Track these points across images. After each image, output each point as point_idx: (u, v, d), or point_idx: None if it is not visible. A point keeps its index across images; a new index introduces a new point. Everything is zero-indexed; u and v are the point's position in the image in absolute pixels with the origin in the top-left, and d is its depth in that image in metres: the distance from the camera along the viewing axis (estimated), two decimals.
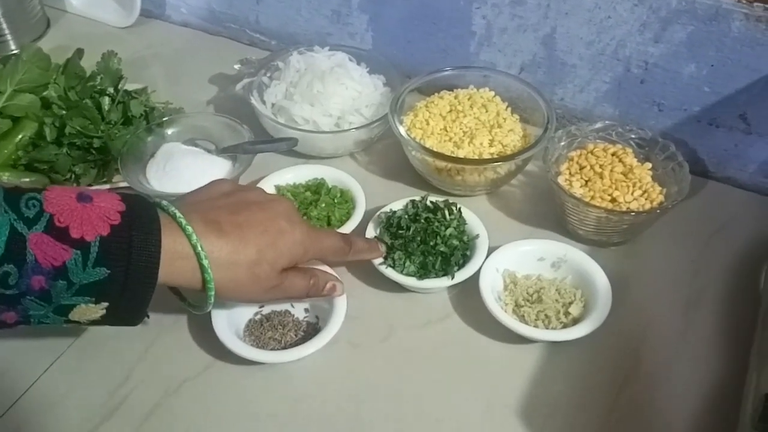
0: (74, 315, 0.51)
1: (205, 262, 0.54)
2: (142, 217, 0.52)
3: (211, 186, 0.63)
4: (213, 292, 0.55)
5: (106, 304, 0.51)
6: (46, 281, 0.48)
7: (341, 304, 0.66)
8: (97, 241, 0.49)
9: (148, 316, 0.56)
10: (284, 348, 0.65)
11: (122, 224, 0.50)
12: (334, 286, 0.65)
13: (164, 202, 0.56)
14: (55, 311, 0.50)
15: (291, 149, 0.84)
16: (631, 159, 0.76)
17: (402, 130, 0.79)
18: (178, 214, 0.54)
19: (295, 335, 0.66)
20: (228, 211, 0.58)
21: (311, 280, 0.63)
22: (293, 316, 0.68)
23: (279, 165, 0.82)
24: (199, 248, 0.53)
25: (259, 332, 0.66)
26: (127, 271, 0.50)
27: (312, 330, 0.67)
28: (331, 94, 0.84)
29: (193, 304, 0.61)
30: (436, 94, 0.86)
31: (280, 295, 0.60)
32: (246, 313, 0.68)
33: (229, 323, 0.64)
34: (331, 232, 0.68)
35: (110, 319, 0.53)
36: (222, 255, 0.55)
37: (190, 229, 0.53)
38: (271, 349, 0.64)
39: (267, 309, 0.68)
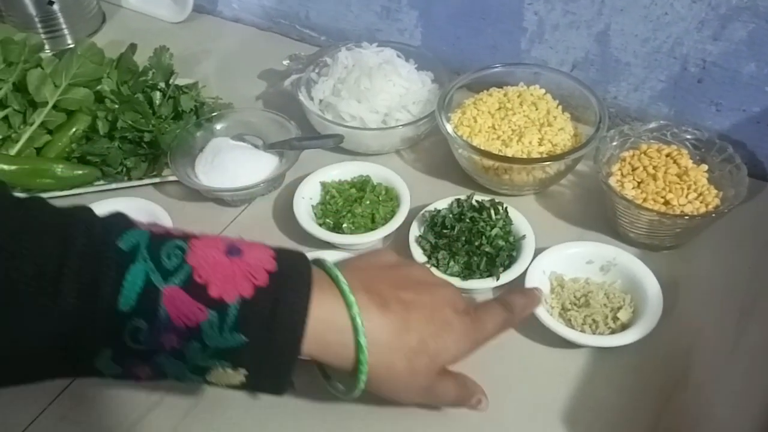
0: (212, 377, 0.47)
1: (363, 340, 0.47)
2: (293, 278, 0.46)
3: (375, 254, 0.57)
4: (365, 377, 0.48)
5: (243, 371, 0.46)
6: (178, 341, 0.44)
7: None
8: (237, 304, 0.44)
9: (293, 385, 0.50)
10: None
11: (268, 286, 0.45)
12: (480, 400, 0.56)
13: (327, 262, 0.50)
14: (192, 371, 0.46)
15: (337, 146, 0.84)
16: (686, 160, 0.74)
17: (449, 127, 0.78)
18: (341, 278, 0.48)
19: None
20: (393, 285, 0.51)
21: (462, 391, 0.55)
22: None
23: (325, 161, 0.82)
24: (359, 323, 0.47)
25: None
26: (269, 340, 0.45)
27: None
28: (378, 91, 0.84)
29: (338, 386, 0.55)
30: (485, 91, 0.85)
31: (430, 399, 0.54)
32: None
33: None
34: (491, 309, 0.57)
35: (251, 387, 0.48)
36: (382, 336, 0.48)
37: (352, 298, 0.47)
38: None
39: None
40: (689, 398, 0.62)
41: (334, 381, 0.55)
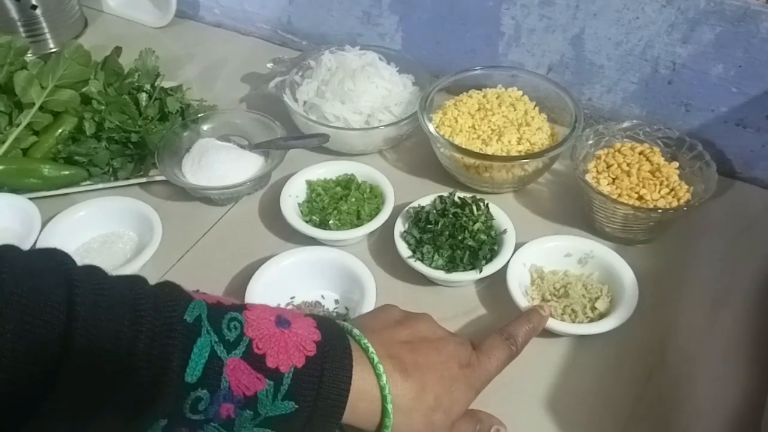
0: None
1: (390, 407, 0.50)
2: (336, 349, 0.50)
3: (383, 312, 0.59)
4: None
5: None
6: (234, 410, 0.45)
7: (371, 296, 0.67)
8: (291, 374, 0.46)
9: None
10: None
11: (317, 356, 0.48)
12: (498, 431, 0.59)
13: (355, 331, 0.53)
14: None
15: (322, 146, 0.86)
16: (658, 158, 0.77)
17: (431, 127, 0.80)
18: (371, 349, 0.51)
19: None
20: (408, 348, 0.54)
21: (477, 426, 0.57)
22: (324, 307, 0.70)
23: (310, 161, 0.84)
24: (387, 391, 0.50)
25: None
26: (315, 407, 0.47)
27: (342, 320, 0.68)
28: (362, 93, 0.86)
29: None
30: (465, 93, 0.87)
31: None
32: (279, 302, 0.69)
33: None
34: (493, 350, 0.59)
35: None
36: (405, 400, 0.51)
37: (381, 368, 0.50)
38: None
39: (298, 299, 0.70)
40: (666, 383, 0.64)
41: None
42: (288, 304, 0.70)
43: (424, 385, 0.52)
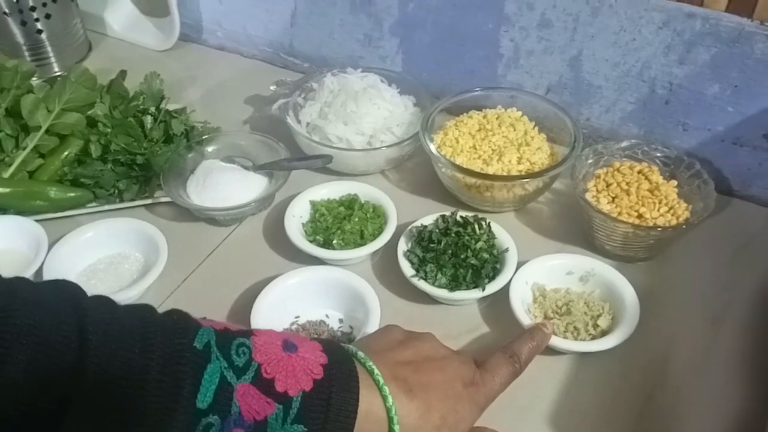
0: None
1: (396, 428, 0.51)
2: (343, 372, 0.50)
3: (386, 334, 0.60)
4: None
5: None
6: None
7: (375, 315, 0.68)
8: (299, 397, 0.47)
9: None
10: None
11: (324, 379, 0.48)
12: None
13: (360, 354, 0.53)
14: None
15: (324, 166, 0.87)
16: (657, 176, 0.78)
17: (433, 147, 0.82)
18: (376, 371, 0.52)
19: None
20: (412, 369, 0.55)
21: None
22: (328, 326, 0.70)
23: (313, 182, 0.85)
24: (394, 412, 0.50)
25: None
26: (324, 428, 0.48)
27: (346, 340, 0.69)
28: (364, 114, 0.87)
29: None
30: (465, 113, 0.88)
31: None
32: (283, 321, 0.70)
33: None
34: (497, 368, 0.60)
35: None
36: (411, 420, 0.52)
37: (387, 390, 0.51)
38: None
39: (303, 318, 0.71)
40: (668, 400, 0.65)
41: None
42: (293, 324, 0.70)
43: (429, 406, 0.53)
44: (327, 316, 0.71)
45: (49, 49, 1.10)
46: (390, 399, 0.51)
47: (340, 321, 0.71)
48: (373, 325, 0.67)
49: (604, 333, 0.68)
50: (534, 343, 0.63)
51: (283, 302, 0.70)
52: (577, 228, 0.81)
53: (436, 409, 0.53)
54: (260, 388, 0.46)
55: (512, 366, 0.60)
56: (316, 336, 0.68)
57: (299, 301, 0.71)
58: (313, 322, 0.71)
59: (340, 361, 0.51)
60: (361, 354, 0.53)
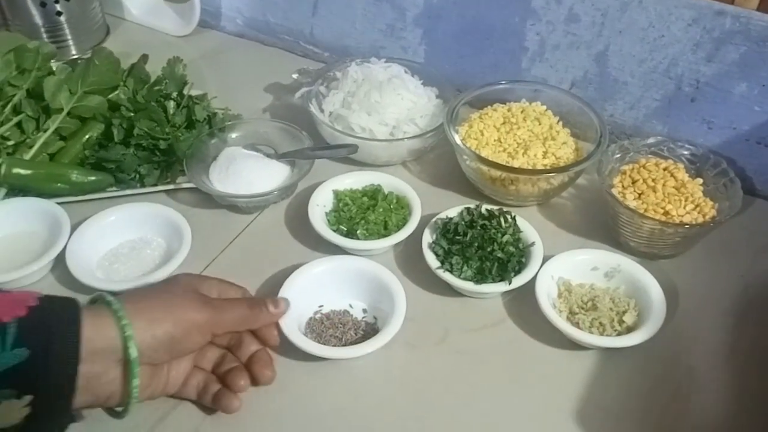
0: None
1: (131, 345, 0.53)
2: (59, 299, 0.53)
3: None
4: (137, 366, 0.54)
5: (29, 398, 0.48)
6: None
7: (401, 306, 0.67)
8: (15, 322, 0.48)
9: (74, 419, 0.54)
10: (344, 345, 0.67)
11: (40, 305, 0.50)
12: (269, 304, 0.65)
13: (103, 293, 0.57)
14: None
15: (348, 156, 0.86)
16: (682, 174, 0.78)
17: (458, 139, 0.81)
18: (108, 297, 0.55)
19: (355, 334, 0.68)
20: (149, 295, 0.60)
21: (247, 304, 0.64)
22: (352, 315, 0.70)
23: (334, 172, 0.84)
24: (129, 332, 0.53)
25: (320, 329, 0.68)
26: (49, 351, 0.49)
27: (370, 330, 0.69)
28: (388, 104, 0.87)
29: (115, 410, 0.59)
30: (490, 106, 0.88)
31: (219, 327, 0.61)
32: (307, 310, 0.70)
33: (292, 320, 0.66)
34: (238, 303, 0.64)
35: (35, 421, 0.49)
36: (143, 334, 0.55)
37: (121, 312, 0.53)
38: (333, 346, 0.66)
39: (327, 308, 0.70)
40: (692, 397, 0.65)
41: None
42: (316, 313, 0.70)
43: (154, 316, 0.56)
44: (351, 305, 0.71)
45: (67, 31, 1.09)
46: (124, 318, 0.53)
47: (364, 311, 0.71)
48: (398, 317, 0.66)
49: (629, 329, 0.68)
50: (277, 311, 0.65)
51: (308, 291, 0.70)
52: (600, 224, 0.81)
53: (159, 305, 0.57)
54: None
55: (249, 311, 0.63)
56: (341, 325, 0.68)
57: (324, 290, 0.71)
58: (337, 311, 0.70)
59: (54, 296, 0.53)
60: (101, 293, 0.56)
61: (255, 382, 0.63)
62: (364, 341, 0.66)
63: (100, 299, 0.56)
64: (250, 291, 0.72)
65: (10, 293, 0.51)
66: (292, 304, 0.67)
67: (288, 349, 0.65)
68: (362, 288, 0.71)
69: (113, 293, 0.57)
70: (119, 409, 0.58)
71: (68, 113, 0.85)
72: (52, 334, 0.49)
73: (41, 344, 0.48)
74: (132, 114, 0.84)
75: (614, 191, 0.76)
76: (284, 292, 0.68)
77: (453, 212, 0.77)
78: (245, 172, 0.81)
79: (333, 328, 0.68)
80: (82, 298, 0.56)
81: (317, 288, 0.71)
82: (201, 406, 0.63)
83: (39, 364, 0.48)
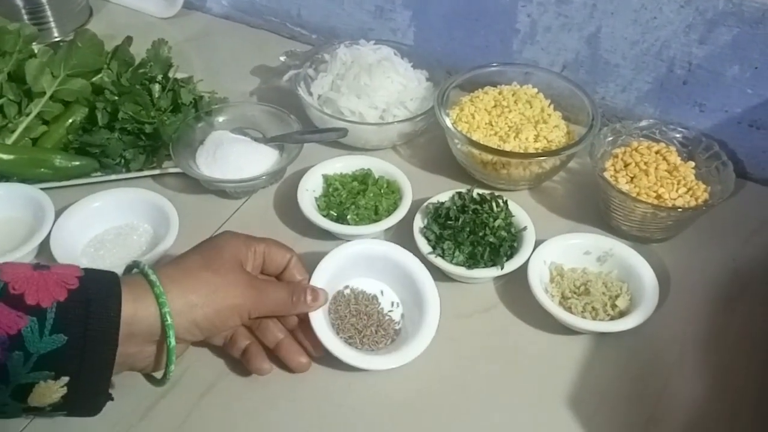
0: (33, 399, 0.48)
1: (170, 324, 0.53)
2: (101, 280, 0.51)
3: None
4: (173, 341, 0.53)
5: (66, 379, 0.48)
6: (1, 351, 0.46)
7: (429, 328, 0.65)
8: (54, 307, 0.48)
9: (111, 398, 0.54)
10: (362, 338, 0.65)
11: (80, 288, 0.49)
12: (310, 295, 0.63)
13: (142, 265, 0.55)
14: (13, 395, 0.48)
15: (337, 140, 0.85)
16: (674, 157, 0.77)
17: (449, 122, 0.80)
18: (151, 275, 0.54)
19: (375, 332, 0.66)
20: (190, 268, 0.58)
21: (292, 293, 0.62)
22: (379, 305, 0.68)
23: (323, 156, 0.83)
24: (167, 310, 0.52)
25: (344, 313, 0.66)
26: (86, 335, 0.48)
27: (391, 331, 0.67)
28: (378, 87, 0.86)
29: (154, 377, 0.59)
30: (481, 89, 0.87)
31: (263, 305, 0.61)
32: (336, 284, 0.68)
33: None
34: (283, 288, 0.63)
35: (71, 401, 0.50)
36: (179, 305, 0.54)
37: (159, 288, 0.53)
38: (350, 337, 0.65)
39: (357, 287, 0.69)
40: (684, 381, 0.65)
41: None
42: (345, 287, 0.69)
43: (196, 285, 0.56)
44: (382, 292, 0.69)
45: (49, 13, 1.07)
46: (165, 306, 0.52)
47: (392, 304, 0.69)
48: (424, 339, 0.64)
49: (622, 314, 0.67)
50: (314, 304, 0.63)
51: (343, 266, 0.68)
52: (592, 208, 0.80)
53: (202, 285, 0.56)
54: (9, 304, 0.47)
55: (290, 301, 0.62)
56: (365, 317, 0.66)
57: (357, 269, 0.69)
58: (367, 294, 0.68)
59: (97, 272, 0.52)
60: (143, 265, 0.55)
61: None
62: (381, 342, 0.65)
63: (141, 272, 0.55)
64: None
65: (51, 271, 0.50)
66: (328, 275, 0.66)
67: None
68: (399, 281, 0.69)
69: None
70: (157, 376, 0.58)
71: (51, 97, 0.83)
72: (90, 321, 0.49)
73: (79, 331, 0.48)
74: (116, 97, 0.82)
75: (606, 175, 0.75)
76: (323, 267, 0.66)
77: (444, 197, 0.76)
78: (233, 156, 0.80)
79: (357, 317, 0.66)
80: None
81: (352, 266, 0.69)
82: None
83: (76, 350, 0.48)
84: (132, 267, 0.57)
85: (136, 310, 0.51)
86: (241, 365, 0.64)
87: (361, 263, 0.69)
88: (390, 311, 0.68)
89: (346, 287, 0.69)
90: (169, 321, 0.53)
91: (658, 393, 0.63)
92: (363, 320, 0.66)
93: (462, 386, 0.64)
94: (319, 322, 0.63)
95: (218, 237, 0.63)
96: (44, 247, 0.72)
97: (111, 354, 0.50)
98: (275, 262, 0.64)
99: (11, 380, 0.47)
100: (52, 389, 0.48)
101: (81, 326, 0.48)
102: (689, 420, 0.62)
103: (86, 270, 0.52)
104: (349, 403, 0.62)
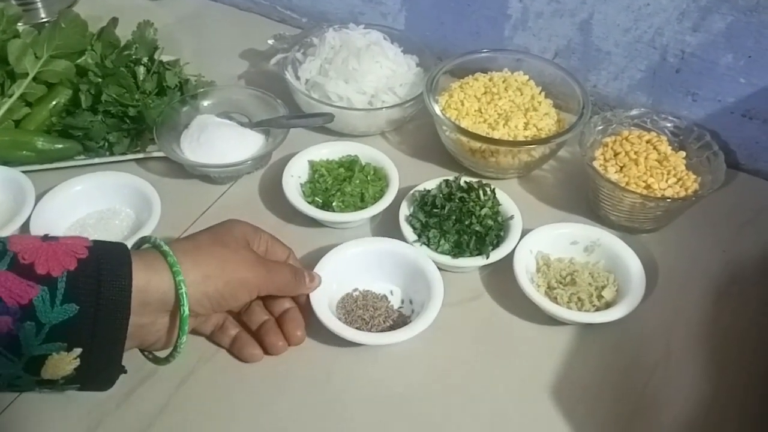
0: (47, 371, 0.48)
1: (184, 296, 0.52)
2: (110, 250, 0.51)
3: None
4: (186, 314, 0.53)
5: (79, 350, 0.48)
6: (13, 322, 0.45)
7: (433, 308, 0.64)
8: (64, 276, 0.47)
9: (125, 370, 0.53)
10: (370, 330, 0.65)
11: (90, 257, 0.49)
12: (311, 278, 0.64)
13: (154, 238, 0.55)
14: (26, 368, 0.47)
15: (323, 126, 0.84)
16: (665, 147, 0.76)
17: (437, 109, 0.79)
18: (164, 246, 0.53)
19: (384, 322, 0.66)
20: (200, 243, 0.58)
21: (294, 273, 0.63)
22: (388, 302, 0.68)
23: (311, 141, 0.82)
24: (181, 279, 0.52)
25: (351, 307, 0.66)
26: (98, 305, 0.48)
27: (400, 321, 0.66)
28: (366, 72, 0.84)
29: (159, 357, 0.58)
30: (471, 75, 0.86)
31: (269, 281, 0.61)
32: (344, 287, 0.68)
33: (324, 292, 0.65)
34: (286, 269, 0.63)
35: (84, 373, 0.49)
36: (194, 277, 0.54)
37: (173, 259, 0.52)
38: (357, 328, 0.64)
39: (365, 288, 0.69)
40: (670, 373, 0.64)
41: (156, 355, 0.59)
42: (354, 290, 0.68)
43: (208, 258, 0.56)
44: (391, 292, 0.69)
45: None
46: (179, 274, 0.52)
47: (403, 302, 0.68)
48: (435, 306, 0.64)
49: (608, 305, 0.67)
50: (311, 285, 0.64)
51: (350, 268, 0.68)
52: (581, 197, 0.79)
53: (216, 257, 0.56)
54: (19, 273, 0.46)
55: (293, 279, 0.62)
56: (372, 309, 0.66)
57: (366, 271, 0.69)
58: (375, 294, 0.68)
59: (106, 243, 0.51)
60: (155, 238, 0.55)
61: (286, 340, 0.63)
62: (390, 330, 0.64)
63: (154, 244, 0.54)
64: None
65: (60, 242, 0.49)
66: (335, 276, 0.66)
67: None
68: (405, 277, 0.69)
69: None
70: (162, 355, 0.57)
71: (34, 78, 0.82)
72: (102, 289, 0.48)
73: (91, 300, 0.47)
74: (100, 79, 0.81)
75: (596, 164, 0.74)
76: (326, 263, 0.67)
77: (431, 184, 0.75)
78: (218, 141, 0.79)
79: (363, 309, 0.66)
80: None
81: (362, 267, 0.68)
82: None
83: (88, 319, 0.47)
84: (141, 243, 0.57)
85: (149, 279, 0.51)
86: (219, 353, 0.63)
87: (369, 265, 0.69)
88: (400, 308, 0.68)
89: (355, 290, 0.68)
90: (183, 289, 0.52)
91: (642, 385, 0.63)
92: (370, 311, 0.66)
93: (445, 375, 0.63)
94: (324, 311, 0.63)
95: (228, 220, 0.63)
96: (24, 231, 0.71)
97: (124, 323, 0.49)
98: (276, 254, 0.65)
99: (24, 352, 0.46)
100: (65, 361, 0.48)
101: (93, 295, 0.47)
102: (675, 413, 0.61)
103: (95, 241, 0.51)
104: (330, 390, 0.62)
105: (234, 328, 0.63)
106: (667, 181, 0.73)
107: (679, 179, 0.73)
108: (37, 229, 0.70)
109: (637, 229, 0.76)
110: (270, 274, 0.60)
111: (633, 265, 0.68)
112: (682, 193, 0.72)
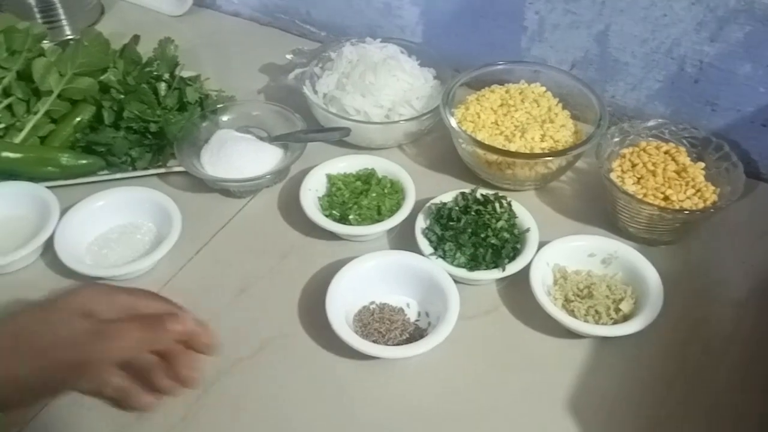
0: None
1: None
2: None
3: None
4: None
5: None
6: None
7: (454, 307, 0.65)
8: None
9: None
10: (386, 343, 0.65)
11: None
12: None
13: None
14: None
15: (341, 139, 0.85)
16: (684, 158, 0.76)
17: (453, 122, 0.79)
18: None
19: (400, 335, 0.66)
20: None
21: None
22: (405, 315, 0.68)
23: (328, 155, 0.83)
24: None
25: (368, 320, 0.67)
26: None
27: (417, 334, 0.67)
28: (383, 86, 0.85)
29: None
30: (487, 87, 0.86)
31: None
32: (362, 300, 0.69)
33: (341, 306, 0.66)
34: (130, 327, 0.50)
35: None
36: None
37: None
38: (374, 341, 0.65)
39: (382, 301, 0.69)
40: (688, 386, 0.63)
41: None
42: (371, 303, 0.69)
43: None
44: (408, 305, 0.69)
45: (60, 11, 1.08)
46: None
47: (419, 314, 0.69)
48: (451, 318, 0.64)
49: (625, 317, 0.66)
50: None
51: (367, 281, 0.69)
52: (599, 209, 0.79)
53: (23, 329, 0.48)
54: None
55: (143, 334, 0.49)
56: (388, 322, 0.67)
57: (383, 284, 0.69)
58: (392, 307, 0.69)
59: None
60: None
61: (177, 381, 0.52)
62: (406, 344, 0.65)
63: None
64: (241, 276, 0.70)
65: None
66: (352, 289, 0.66)
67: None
68: (422, 290, 0.69)
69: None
70: None
71: (59, 95, 0.84)
72: None
73: None
74: (122, 96, 0.82)
75: (613, 176, 0.74)
76: (343, 276, 0.67)
77: (447, 197, 0.75)
78: (237, 155, 0.80)
79: (380, 322, 0.67)
80: (72, 284, 0.55)
81: (378, 280, 0.69)
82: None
83: None
84: None
85: None
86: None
87: (386, 278, 0.69)
88: (416, 320, 0.68)
89: (372, 302, 0.69)
90: None
91: (658, 400, 0.62)
92: (386, 324, 0.66)
93: (461, 389, 0.63)
94: (340, 325, 0.63)
95: (74, 289, 0.52)
96: (49, 246, 0.73)
97: None
98: (148, 310, 0.53)
99: None
100: None
101: None
102: (695, 428, 0.61)
103: None
104: (346, 403, 0.62)
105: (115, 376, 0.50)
106: (685, 193, 0.72)
107: (697, 190, 0.73)
108: (61, 244, 0.71)
109: (655, 241, 0.75)
110: (105, 341, 0.48)
111: (651, 277, 0.68)
112: (701, 205, 0.72)
